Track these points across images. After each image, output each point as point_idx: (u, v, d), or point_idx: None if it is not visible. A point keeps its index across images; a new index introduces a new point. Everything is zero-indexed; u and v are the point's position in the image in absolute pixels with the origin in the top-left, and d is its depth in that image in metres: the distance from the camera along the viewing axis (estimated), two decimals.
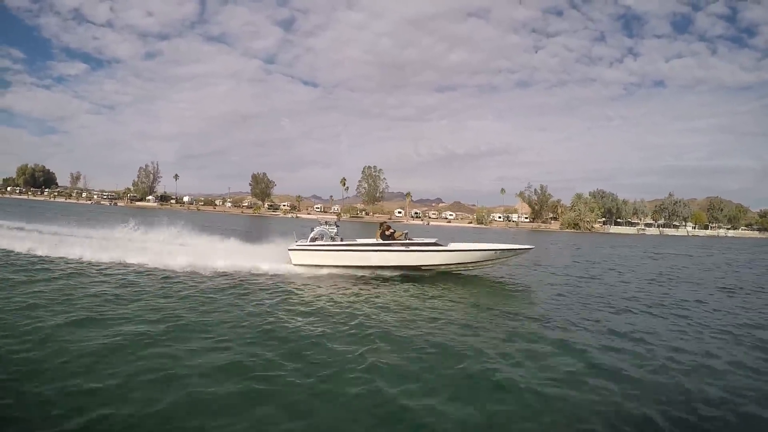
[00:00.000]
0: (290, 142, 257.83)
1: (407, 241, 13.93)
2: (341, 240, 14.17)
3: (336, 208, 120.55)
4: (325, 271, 13.34)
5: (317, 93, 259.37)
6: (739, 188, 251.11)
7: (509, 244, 15.01)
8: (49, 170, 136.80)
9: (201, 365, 5.82)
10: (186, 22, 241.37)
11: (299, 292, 10.88)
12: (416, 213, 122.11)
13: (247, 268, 13.03)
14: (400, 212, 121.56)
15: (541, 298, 11.74)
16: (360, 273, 13.45)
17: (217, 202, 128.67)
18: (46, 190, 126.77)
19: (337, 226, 14.54)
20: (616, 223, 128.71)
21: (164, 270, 12.53)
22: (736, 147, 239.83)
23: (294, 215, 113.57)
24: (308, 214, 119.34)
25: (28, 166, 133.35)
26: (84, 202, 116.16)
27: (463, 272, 14.56)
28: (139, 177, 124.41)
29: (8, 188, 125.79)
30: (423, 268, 13.94)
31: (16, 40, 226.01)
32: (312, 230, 14.08)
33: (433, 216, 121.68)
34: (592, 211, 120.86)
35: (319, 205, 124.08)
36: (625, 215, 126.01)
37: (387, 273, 13.60)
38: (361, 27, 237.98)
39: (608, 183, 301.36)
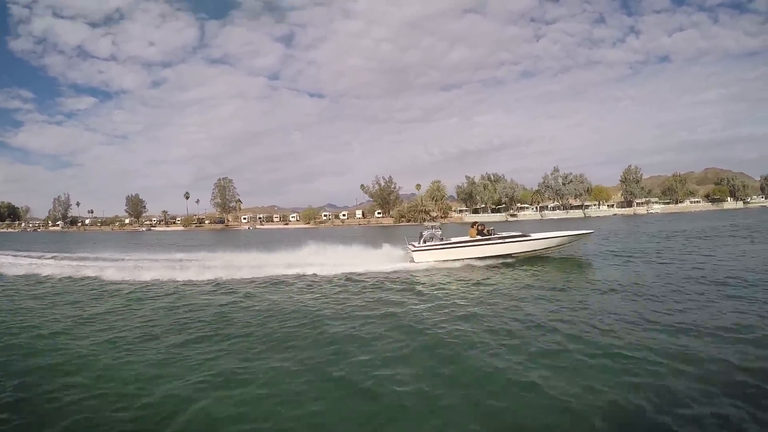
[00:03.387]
0: (302, 155, 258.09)
1: (503, 234, 17.26)
2: (442, 240, 17.40)
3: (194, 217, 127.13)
4: (442, 264, 16.27)
5: (324, 104, 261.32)
6: (758, 156, 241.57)
7: (576, 230, 18.47)
8: (14, 206, 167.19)
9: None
10: (187, 48, 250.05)
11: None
12: (260, 218, 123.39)
13: (381, 269, 15.61)
14: (245, 219, 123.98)
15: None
16: (469, 263, 16.40)
17: (125, 221, 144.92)
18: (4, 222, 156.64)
19: (440, 229, 17.95)
20: (495, 210, 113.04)
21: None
22: (749, 115, 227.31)
23: (147, 228, 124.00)
24: (167, 226, 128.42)
25: None
26: (16, 230, 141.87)
27: (544, 255, 17.40)
28: (54, 206, 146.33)
29: None
30: (513, 255, 16.98)
31: (24, 80, 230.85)
32: (421, 235, 17.62)
33: (276, 219, 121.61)
34: (436, 201, 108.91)
35: (176, 217, 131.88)
36: (480, 201, 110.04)
37: (487, 262, 16.40)
38: (360, 35, 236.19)
39: (623, 164, 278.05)
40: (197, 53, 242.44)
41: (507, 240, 16.96)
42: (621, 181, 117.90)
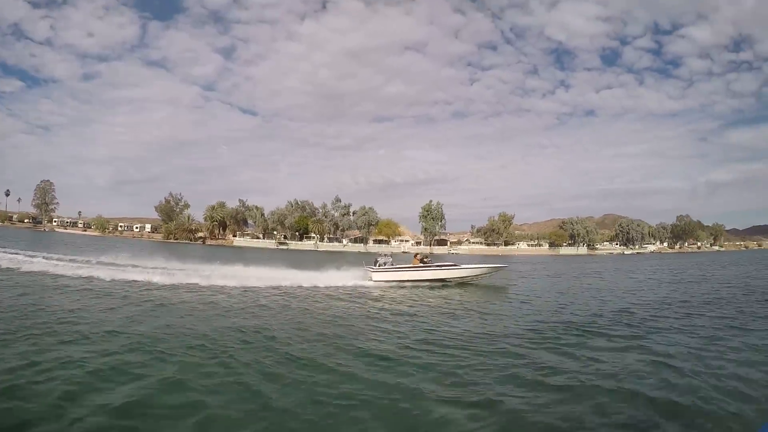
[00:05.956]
0: (229, 170, 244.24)
1: (441, 264, 22.26)
2: (393, 265, 21.92)
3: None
4: (394, 284, 20.63)
5: (256, 121, 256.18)
6: (672, 207, 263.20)
7: (496, 264, 23.96)
8: None
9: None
10: (126, 45, 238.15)
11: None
12: (68, 222, 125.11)
13: (345, 284, 20.00)
14: (55, 222, 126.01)
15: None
16: (412, 285, 20.69)
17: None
18: None
19: (391, 258, 22.58)
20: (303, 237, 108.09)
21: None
22: (665, 170, 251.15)
23: None
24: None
25: None
26: None
27: (470, 283, 21.98)
28: None
29: None
30: (447, 279, 21.47)
31: None
32: (376, 261, 21.94)
33: (80, 225, 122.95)
34: (208, 221, 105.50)
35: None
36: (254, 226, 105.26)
37: (426, 284, 20.80)
38: (300, 58, 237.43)
39: (544, 208, 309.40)
40: (135, 52, 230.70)
41: (442, 268, 21.69)
42: (420, 216, 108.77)
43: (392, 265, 21.67)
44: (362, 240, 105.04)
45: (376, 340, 10.17)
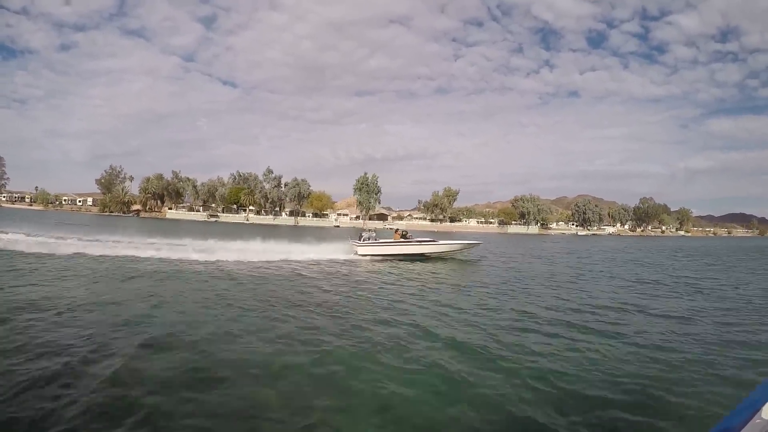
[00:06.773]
0: (207, 143, 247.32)
1: (420, 239, 23.67)
2: (377, 240, 23.21)
3: None
4: (378, 257, 22.10)
5: (236, 93, 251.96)
6: (649, 191, 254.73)
7: (471, 240, 25.83)
8: None
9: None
10: (105, 14, 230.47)
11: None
12: (16, 197, 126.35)
13: (333, 258, 21.61)
14: (4, 197, 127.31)
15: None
16: (394, 258, 22.14)
17: None
18: None
19: (375, 232, 24.25)
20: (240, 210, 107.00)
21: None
22: (645, 154, 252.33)
23: None
24: None
25: None
26: None
27: (447, 257, 23.67)
28: None
29: None
30: (426, 254, 22.92)
31: None
32: (361, 236, 23.39)
33: (27, 200, 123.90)
34: (148, 191, 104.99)
35: None
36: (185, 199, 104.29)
37: (407, 257, 22.20)
38: (282, 28, 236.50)
39: (524, 186, 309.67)
40: (114, 21, 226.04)
41: (422, 243, 23.03)
42: (355, 188, 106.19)
43: (375, 240, 22.74)
44: (297, 213, 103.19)
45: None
